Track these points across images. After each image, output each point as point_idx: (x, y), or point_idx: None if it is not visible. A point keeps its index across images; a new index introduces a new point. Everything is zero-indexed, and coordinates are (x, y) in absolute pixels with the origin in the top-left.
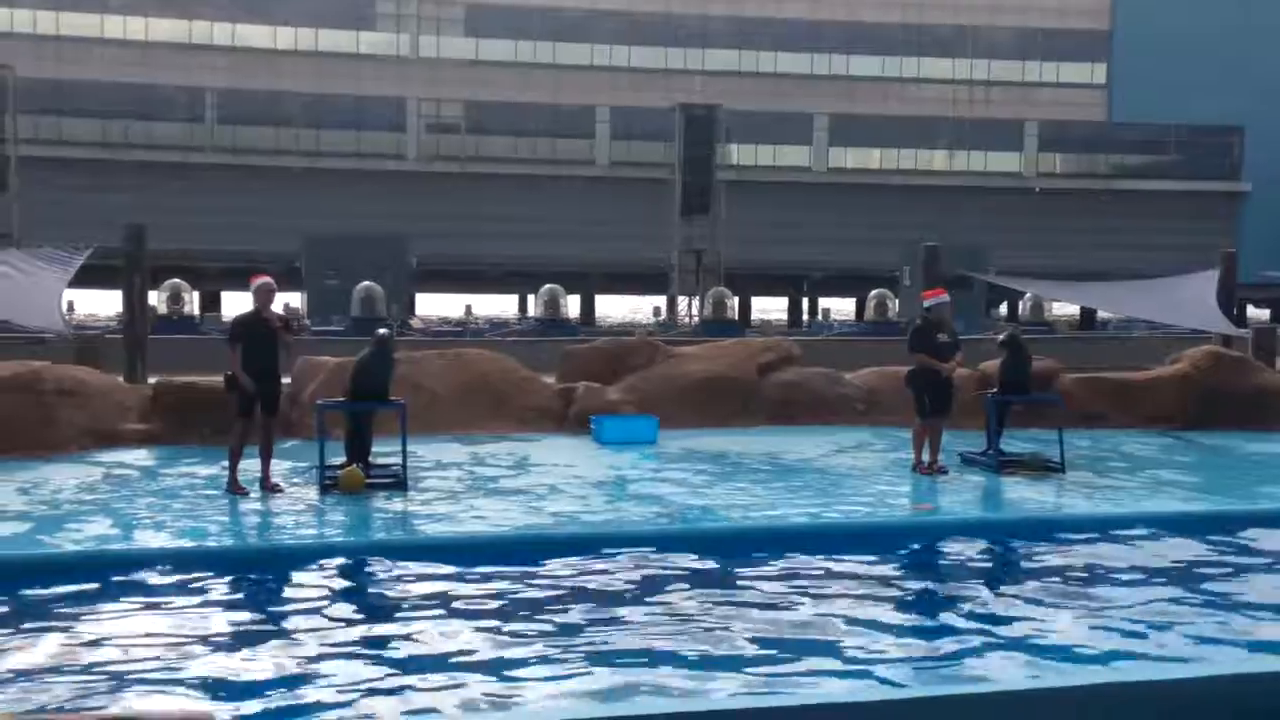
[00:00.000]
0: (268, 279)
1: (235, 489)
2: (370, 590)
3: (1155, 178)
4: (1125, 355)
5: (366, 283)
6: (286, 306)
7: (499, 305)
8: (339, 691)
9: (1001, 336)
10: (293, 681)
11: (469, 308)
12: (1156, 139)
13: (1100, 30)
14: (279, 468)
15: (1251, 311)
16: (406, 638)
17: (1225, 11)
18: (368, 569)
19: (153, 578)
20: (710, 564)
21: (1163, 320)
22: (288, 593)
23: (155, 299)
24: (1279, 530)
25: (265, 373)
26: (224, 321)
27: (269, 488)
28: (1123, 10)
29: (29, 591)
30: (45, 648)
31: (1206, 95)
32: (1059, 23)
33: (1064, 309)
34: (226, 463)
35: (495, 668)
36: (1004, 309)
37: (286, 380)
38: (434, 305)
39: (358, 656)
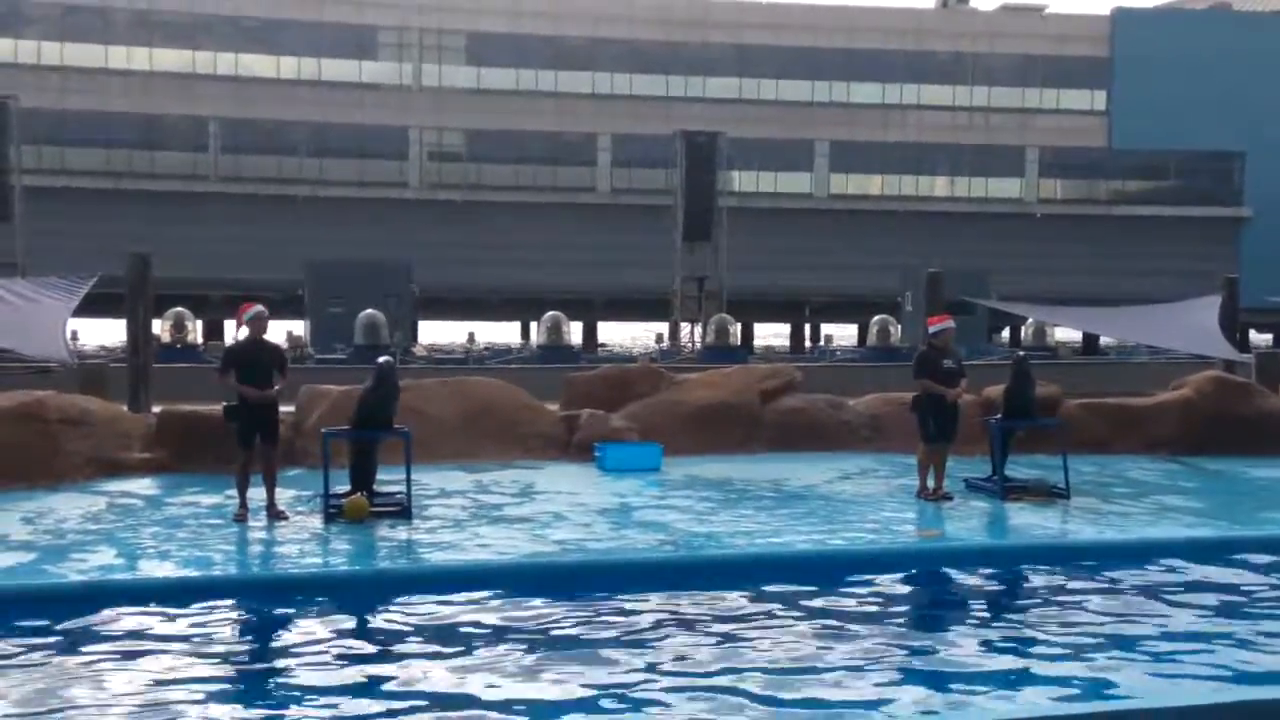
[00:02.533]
0: (262, 307)
1: (237, 517)
2: (373, 620)
3: (1156, 203)
4: (1128, 380)
5: (369, 310)
6: (289, 335)
7: (502, 332)
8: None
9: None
10: (294, 710)
11: (472, 335)
12: (1157, 164)
13: (1100, 57)
14: (283, 495)
15: (1254, 336)
16: (409, 667)
17: (1224, 38)
18: (372, 598)
19: (157, 607)
20: (714, 591)
21: (1165, 345)
22: (289, 622)
23: (159, 327)
24: None
25: (261, 400)
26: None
27: (275, 515)
28: (1122, 37)
29: (31, 622)
30: (46, 678)
31: (1206, 121)
32: (1059, 49)
33: (1066, 334)
34: (232, 491)
35: (502, 699)
36: (1006, 334)
37: (290, 409)
38: (437, 333)
39: (361, 687)
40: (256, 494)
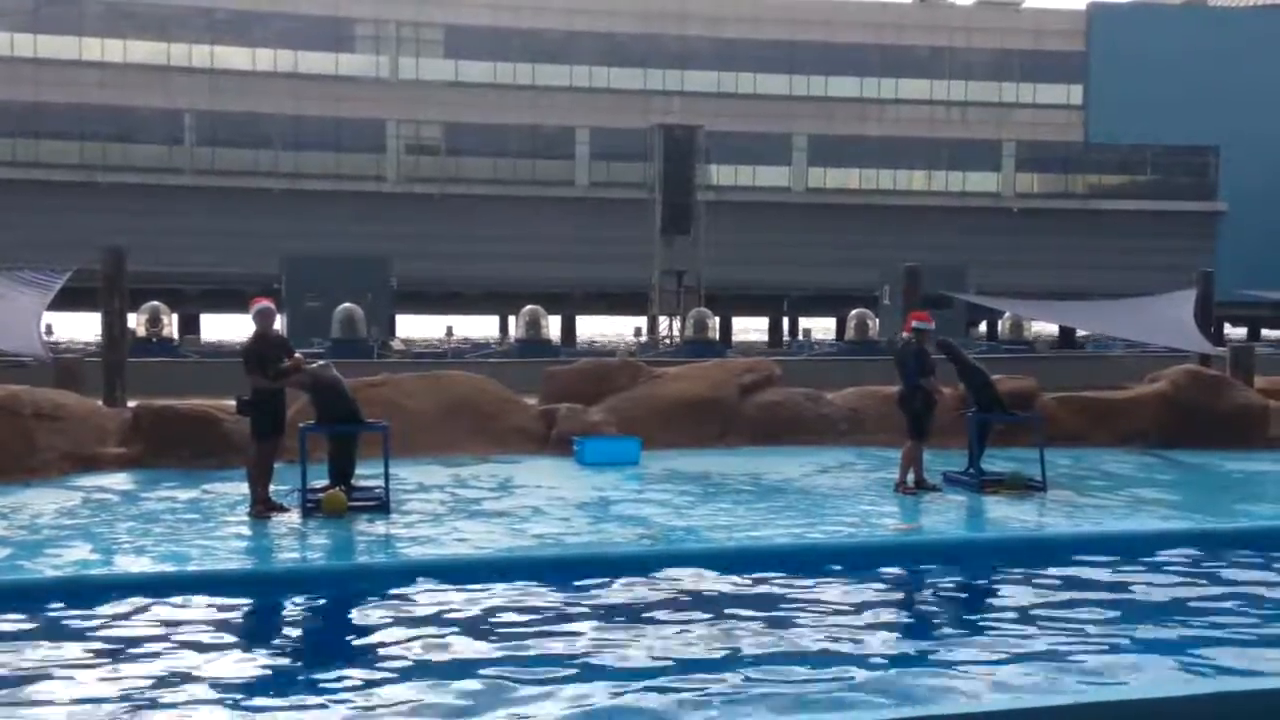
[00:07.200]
0: (269, 305)
1: (270, 509)
2: (350, 614)
3: (1132, 197)
4: (1104, 374)
5: (347, 304)
6: None
7: (480, 327)
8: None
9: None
10: (269, 706)
11: (450, 329)
12: (1133, 159)
13: (1076, 52)
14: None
15: (1229, 330)
16: (387, 661)
17: (1198, 33)
18: (350, 592)
19: (133, 603)
20: (693, 585)
21: (1141, 339)
22: (267, 617)
23: (134, 321)
24: (1258, 548)
25: (275, 393)
26: (203, 344)
27: (272, 508)
28: (1097, 32)
29: (7, 616)
30: (21, 674)
31: (1182, 116)
32: (1035, 44)
33: (1043, 328)
34: (209, 486)
35: (483, 693)
36: (984, 328)
37: None
38: (415, 327)
39: (340, 679)
40: (234, 489)
